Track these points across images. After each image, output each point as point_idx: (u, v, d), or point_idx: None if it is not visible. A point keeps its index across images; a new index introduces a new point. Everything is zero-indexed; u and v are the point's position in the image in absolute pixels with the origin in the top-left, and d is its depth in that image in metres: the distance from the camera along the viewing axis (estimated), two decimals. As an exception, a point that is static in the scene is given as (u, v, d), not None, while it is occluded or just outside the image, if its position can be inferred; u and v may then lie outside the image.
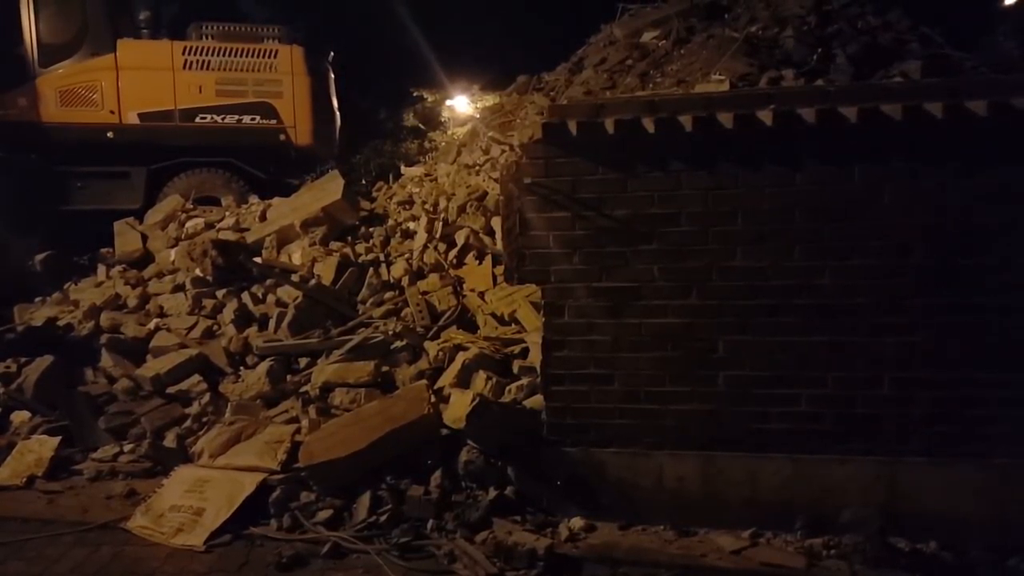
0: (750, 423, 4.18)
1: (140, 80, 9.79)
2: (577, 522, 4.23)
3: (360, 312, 6.07)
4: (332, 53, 11.30)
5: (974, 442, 4.00)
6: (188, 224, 7.92)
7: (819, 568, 3.84)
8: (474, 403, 4.43)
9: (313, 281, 6.31)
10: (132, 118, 9.78)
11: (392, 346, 5.52)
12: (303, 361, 5.73)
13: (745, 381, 4.18)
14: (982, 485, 3.96)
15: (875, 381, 4.08)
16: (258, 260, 6.87)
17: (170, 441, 5.25)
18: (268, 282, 6.49)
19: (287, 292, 6.27)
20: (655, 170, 4.22)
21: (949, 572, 3.77)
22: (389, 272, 6.45)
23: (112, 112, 9.75)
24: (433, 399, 4.71)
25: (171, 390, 5.72)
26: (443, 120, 13.94)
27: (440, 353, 5.33)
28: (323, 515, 4.33)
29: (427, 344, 5.50)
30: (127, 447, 5.32)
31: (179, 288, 6.85)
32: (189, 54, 9.88)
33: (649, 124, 4.15)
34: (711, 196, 4.18)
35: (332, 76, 11.18)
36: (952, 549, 3.91)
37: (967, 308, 3.99)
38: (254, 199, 8.81)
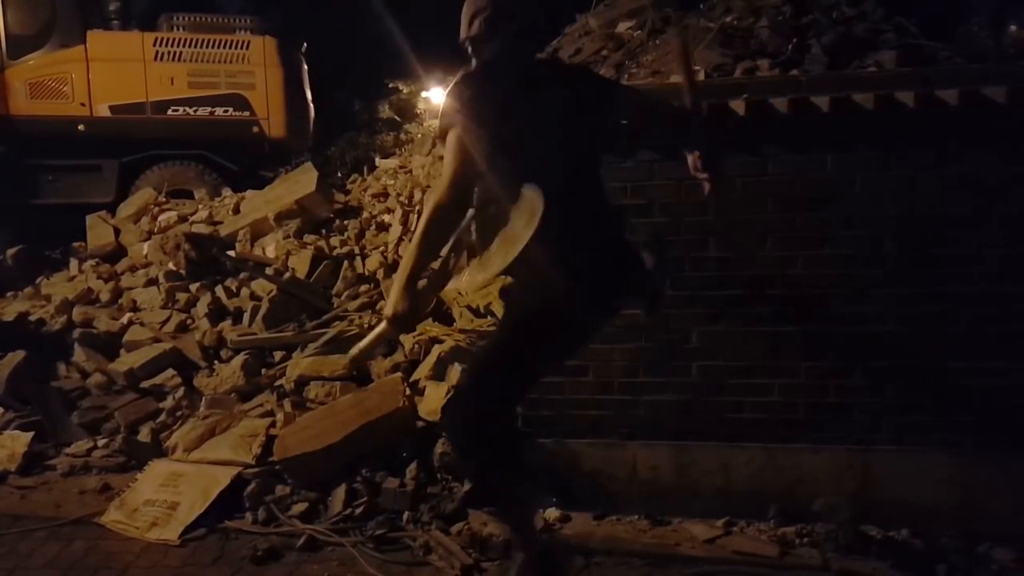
0: (724, 413, 4.20)
1: (111, 72, 9.66)
2: (552, 513, 4.24)
3: (335, 305, 6.04)
4: (305, 44, 11.21)
5: (945, 431, 4.04)
6: (161, 217, 7.84)
7: (792, 556, 3.88)
8: (449, 396, 4.43)
9: (287, 274, 6.27)
10: (103, 110, 9.65)
11: (367, 339, 5.50)
12: (278, 355, 5.69)
13: (718, 371, 4.20)
14: (952, 473, 4.01)
15: (847, 370, 4.12)
16: (232, 253, 6.82)
17: (144, 436, 5.21)
18: (242, 275, 6.45)
19: (261, 285, 6.23)
20: (627, 160, 4.23)
21: (919, 559, 3.82)
22: (364, 265, 6.42)
23: (83, 104, 9.61)
24: (408, 392, 4.70)
25: (145, 384, 5.67)
26: (419, 112, 13.87)
27: (416, 346, 5.32)
28: (298, 508, 4.31)
29: (402, 337, 5.48)
30: (101, 442, 5.27)
31: (152, 282, 6.79)
32: (160, 45, 9.75)
33: (622, 115, 4.14)
34: (684, 187, 4.18)
35: (306, 67, 11.09)
36: (923, 536, 3.96)
37: (938, 297, 4.03)
38: (227, 192, 8.72)
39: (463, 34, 2.82)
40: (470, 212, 2.90)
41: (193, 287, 6.50)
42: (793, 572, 3.79)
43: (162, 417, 5.35)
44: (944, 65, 4.51)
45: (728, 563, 3.84)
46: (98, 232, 7.87)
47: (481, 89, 2.62)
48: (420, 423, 4.56)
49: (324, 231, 7.12)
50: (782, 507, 4.12)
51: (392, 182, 8.13)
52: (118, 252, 7.69)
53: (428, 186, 7.15)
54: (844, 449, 4.11)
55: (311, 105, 11.21)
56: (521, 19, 2.71)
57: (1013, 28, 5.46)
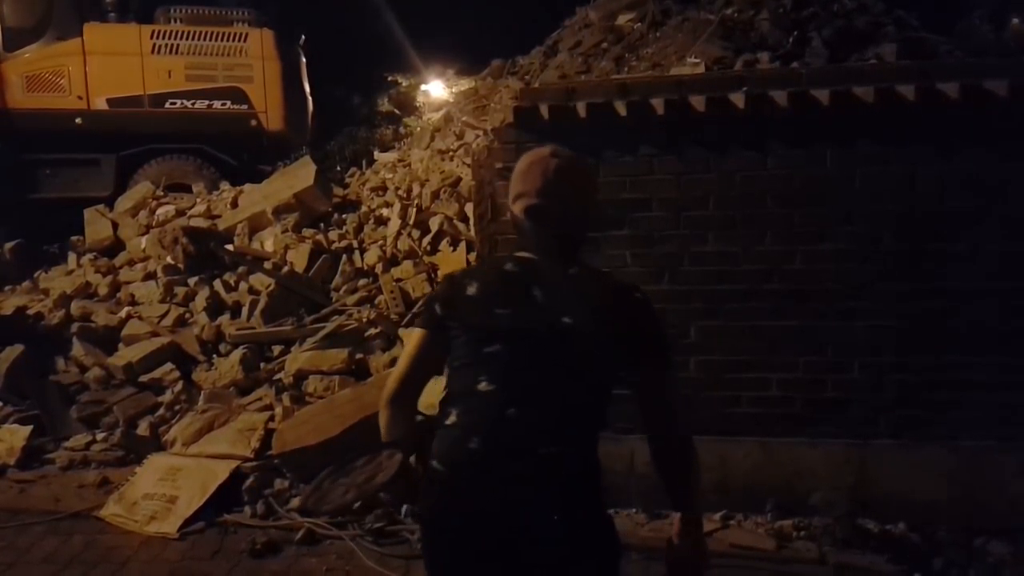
0: (721, 407, 4.21)
1: (108, 65, 9.59)
2: (550, 507, 4.24)
3: (333, 300, 6.03)
4: (303, 37, 11.16)
5: (942, 425, 4.05)
6: (159, 211, 7.81)
7: (789, 549, 3.89)
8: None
9: (286, 269, 6.26)
10: (101, 104, 9.58)
11: (366, 334, 5.50)
12: (276, 349, 5.70)
13: (716, 366, 4.20)
14: (949, 467, 4.01)
15: (845, 365, 4.12)
16: (230, 248, 6.81)
17: (143, 430, 5.22)
18: (240, 270, 6.44)
19: (260, 280, 6.22)
20: (627, 155, 4.22)
21: (916, 553, 3.83)
22: (363, 259, 6.41)
23: (80, 98, 9.54)
24: (407, 386, 4.68)
25: (143, 379, 5.67)
26: (418, 105, 13.82)
27: (414, 340, 5.30)
28: (296, 502, 4.32)
29: (401, 331, 5.48)
30: (99, 436, 5.29)
31: (150, 276, 6.77)
32: (157, 38, 9.69)
33: (621, 108, 4.14)
34: (683, 181, 4.18)
35: (304, 61, 11.05)
36: (920, 530, 3.97)
37: (936, 293, 4.03)
38: (225, 186, 8.69)
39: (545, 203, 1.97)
40: None
41: (191, 281, 6.50)
42: (790, 566, 3.81)
43: (161, 411, 5.35)
44: (945, 59, 4.51)
45: (725, 556, 3.84)
46: (96, 226, 7.85)
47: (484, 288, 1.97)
48: (419, 417, 4.54)
49: (322, 225, 7.11)
50: (779, 501, 4.13)
51: (391, 176, 8.11)
52: (116, 246, 7.67)
53: (427, 179, 7.14)
54: (842, 444, 4.12)
55: (309, 99, 11.16)
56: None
57: (1015, 22, 5.46)
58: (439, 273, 6.09)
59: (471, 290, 1.96)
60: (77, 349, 6.06)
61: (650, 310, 1.95)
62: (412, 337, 2.10)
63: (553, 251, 1.97)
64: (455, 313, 1.97)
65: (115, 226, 7.83)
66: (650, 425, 1.93)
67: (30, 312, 6.65)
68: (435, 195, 6.77)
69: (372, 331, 5.50)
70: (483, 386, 1.87)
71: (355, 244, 6.66)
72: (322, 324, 5.64)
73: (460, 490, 1.85)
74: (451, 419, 1.91)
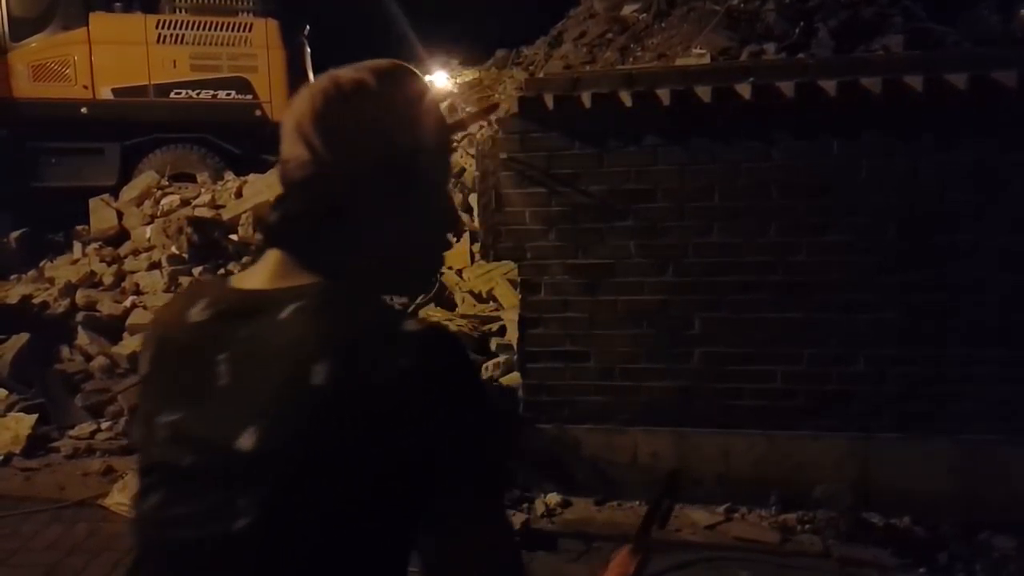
0: (724, 399, 4.19)
1: (113, 54, 9.62)
2: (553, 498, 4.24)
3: (337, 289, 6.03)
4: (308, 27, 11.15)
5: (946, 419, 4.02)
6: (163, 201, 7.83)
7: (792, 543, 3.88)
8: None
9: (290, 258, 6.26)
10: (106, 93, 9.61)
11: (369, 323, 5.48)
12: (280, 339, 5.69)
13: (720, 358, 4.18)
14: (953, 461, 3.99)
15: (849, 358, 4.09)
16: (234, 237, 6.81)
17: (146, 419, 5.23)
18: (244, 260, 6.44)
19: (264, 269, 6.22)
20: (631, 145, 4.20)
21: (920, 546, 3.81)
22: (367, 249, 6.40)
23: (85, 87, 9.58)
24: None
25: (148, 368, 5.69)
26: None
27: (418, 330, 5.30)
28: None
29: (404, 321, 5.46)
30: (104, 425, 5.31)
31: (155, 266, 6.79)
32: (162, 28, 9.71)
33: (626, 98, 4.11)
34: (687, 172, 4.16)
35: (308, 50, 11.04)
36: (924, 524, 3.95)
37: (941, 286, 4.00)
38: (230, 176, 8.71)
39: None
40: None
41: (196, 271, 6.51)
42: (794, 559, 3.79)
43: (165, 400, 5.35)
44: (952, 49, 4.47)
45: (729, 549, 3.84)
46: (101, 215, 7.86)
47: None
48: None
49: (326, 215, 7.10)
50: (783, 494, 4.11)
51: (395, 166, 8.08)
52: (121, 235, 7.69)
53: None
54: (846, 437, 4.10)
55: (314, 88, 11.14)
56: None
57: (1022, 12, 5.41)
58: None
59: (144, 365, 1.00)
60: (82, 338, 6.08)
61: (444, 391, 0.86)
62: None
63: (309, 264, 0.94)
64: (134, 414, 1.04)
65: (120, 215, 7.84)
66: None
67: (35, 301, 6.67)
68: (439, 186, 6.75)
69: (376, 321, 5.49)
70: None
71: (359, 234, 6.65)
72: (326, 314, 5.63)
73: None
74: None
